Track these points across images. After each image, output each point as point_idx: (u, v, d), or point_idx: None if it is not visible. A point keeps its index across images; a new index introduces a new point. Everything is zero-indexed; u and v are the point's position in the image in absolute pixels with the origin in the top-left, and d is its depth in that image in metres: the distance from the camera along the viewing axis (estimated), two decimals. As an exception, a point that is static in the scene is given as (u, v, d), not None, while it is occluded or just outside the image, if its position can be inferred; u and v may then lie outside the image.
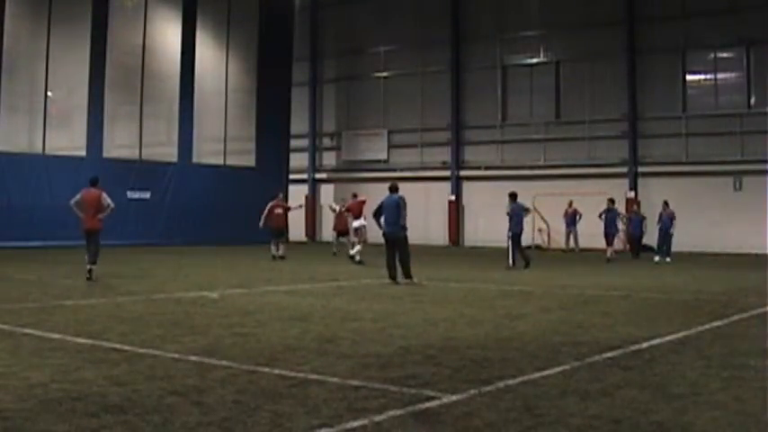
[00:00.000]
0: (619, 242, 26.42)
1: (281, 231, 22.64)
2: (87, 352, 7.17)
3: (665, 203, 24.36)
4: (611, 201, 24.72)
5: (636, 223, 25.80)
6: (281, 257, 21.63)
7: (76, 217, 15.25)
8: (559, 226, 30.33)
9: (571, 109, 32.64)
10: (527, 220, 21.85)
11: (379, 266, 16.21)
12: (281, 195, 24.14)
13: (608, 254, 23.36)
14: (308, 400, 5.37)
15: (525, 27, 33.48)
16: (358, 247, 20.53)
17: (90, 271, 14.66)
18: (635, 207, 27.37)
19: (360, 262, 19.98)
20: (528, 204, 21.86)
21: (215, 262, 21.20)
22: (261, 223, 22.48)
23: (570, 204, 29.38)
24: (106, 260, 20.74)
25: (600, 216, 24.24)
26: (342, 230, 22.86)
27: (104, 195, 15.06)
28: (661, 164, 30.58)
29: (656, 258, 23.26)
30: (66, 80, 29.05)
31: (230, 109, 33.81)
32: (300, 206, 28.03)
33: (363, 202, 21.52)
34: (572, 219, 29.37)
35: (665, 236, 23.77)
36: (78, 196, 15.12)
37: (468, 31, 34.86)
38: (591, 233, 26.68)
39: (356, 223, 21.16)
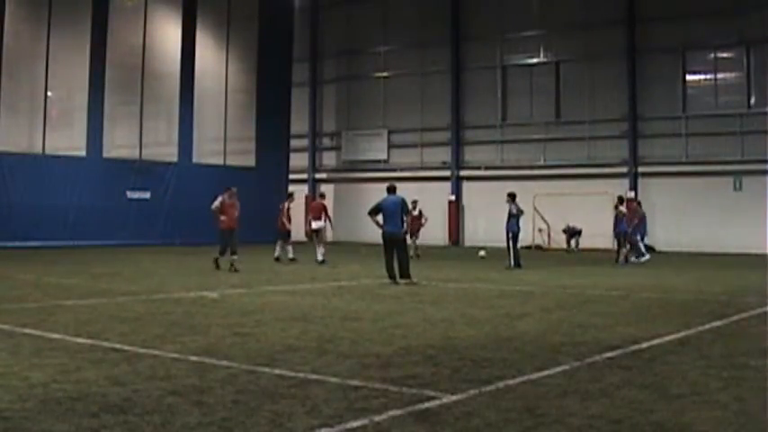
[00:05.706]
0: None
1: (282, 233, 21.71)
2: (87, 352, 7.16)
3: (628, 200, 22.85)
4: (620, 199, 22.48)
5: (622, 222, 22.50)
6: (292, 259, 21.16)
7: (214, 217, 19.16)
8: (560, 226, 30.26)
9: (571, 109, 32.63)
10: (527, 220, 21.76)
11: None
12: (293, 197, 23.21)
13: (620, 256, 21.50)
14: (308, 400, 5.36)
15: (525, 27, 33.48)
16: (322, 249, 20.49)
17: (232, 263, 17.87)
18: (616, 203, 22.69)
19: (323, 262, 20.09)
20: (524, 205, 21.66)
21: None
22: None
23: None
24: (107, 260, 20.78)
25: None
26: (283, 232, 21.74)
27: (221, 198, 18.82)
28: (661, 164, 30.58)
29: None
30: (66, 80, 29.05)
31: (230, 109, 33.80)
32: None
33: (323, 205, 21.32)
34: None
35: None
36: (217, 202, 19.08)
37: (468, 31, 34.85)
38: (592, 233, 26.60)
39: (315, 225, 20.99)
